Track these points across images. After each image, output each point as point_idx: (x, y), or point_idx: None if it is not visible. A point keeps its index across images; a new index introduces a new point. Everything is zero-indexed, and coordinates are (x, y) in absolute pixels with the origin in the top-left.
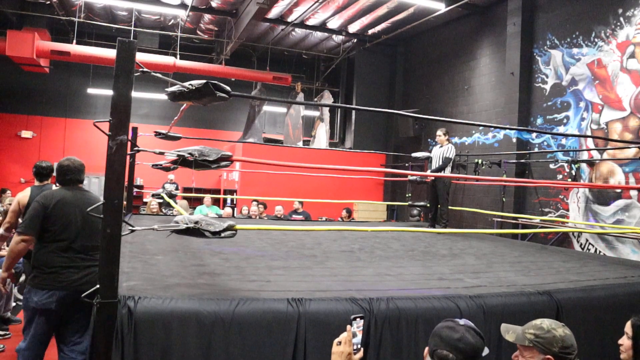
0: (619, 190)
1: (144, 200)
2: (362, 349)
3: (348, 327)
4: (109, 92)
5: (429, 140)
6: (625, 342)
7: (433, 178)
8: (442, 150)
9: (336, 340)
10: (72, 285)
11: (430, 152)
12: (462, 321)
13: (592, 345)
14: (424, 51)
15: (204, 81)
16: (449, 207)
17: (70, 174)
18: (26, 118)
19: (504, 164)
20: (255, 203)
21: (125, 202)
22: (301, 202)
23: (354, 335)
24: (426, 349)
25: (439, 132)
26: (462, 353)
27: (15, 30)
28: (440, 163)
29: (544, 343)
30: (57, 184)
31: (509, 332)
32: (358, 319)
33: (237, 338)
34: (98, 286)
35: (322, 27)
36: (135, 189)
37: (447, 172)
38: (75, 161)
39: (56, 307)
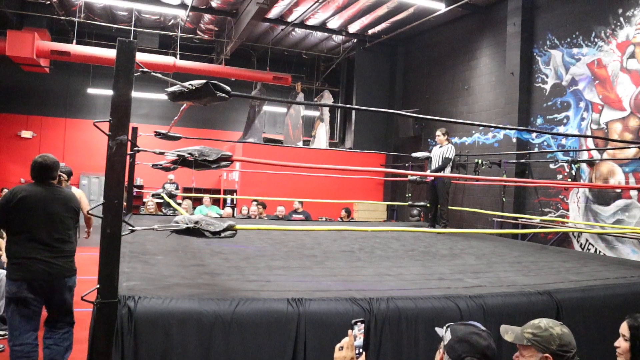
0: (619, 190)
1: (144, 200)
2: (364, 352)
3: (349, 331)
4: (109, 92)
5: (429, 140)
6: (622, 344)
7: (433, 178)
8: (442, 150)
9: (338, 346)
10: (38, 274)
11: (430, 152)
12: (480, 325)
13: (592, 345)
14: (424, 51)
15: (204, 81)
16: (449, 207)
17: (41, 170)
18: (26, 118)
19: (504, 164)
20: (254, 203)
21: (125, 202)
22: (301, 202)
23: (355, 339)
24: (441, 352)
25: (438, 132)
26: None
27: (15, 30)
28: (440, 163)
29: (542, 341)
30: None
31: (508, 332)
32: (359, 323)
33: (237, 338)
34: (98, 288)
35: (322, 27)
36: (135, 189)
37: (447, 172)
38: (47, 158)
39: (27, 294)
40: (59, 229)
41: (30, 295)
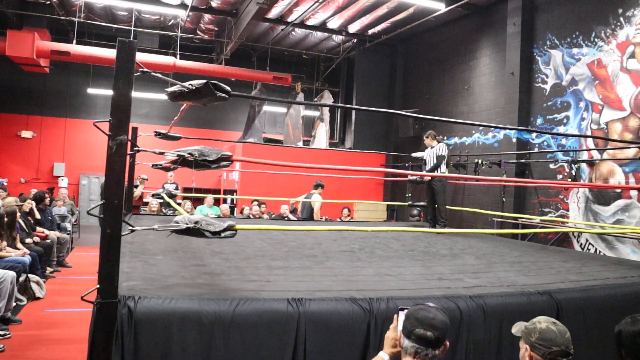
0: (619, 190)
1: (144, 200)
2: None
3: (395, 316)
4: (109, 92)
5: None
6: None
7: (429, 178)
8: (434, 150)
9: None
10: None
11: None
12: (430, 304)
13: (592, 345)
14: (424, 51)
15: (204, 81)
16: (446, 207)
17: None
18: (26, 118)
19: (504, 164)
20: (256, 203)
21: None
22: None
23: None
24: (399, 334)
25: (424, 137)
26: (438, 330)
27: (15, 30)
28: (435, 162)
29: (526, 332)
30: None
31: (517, 326)
32: (406, 310)
33: (237, 338)
34: (98, 288)
35: (322, 27)
36: (135, 189)
37: (443, 170)
38: None
39: None
40: None
41: None
